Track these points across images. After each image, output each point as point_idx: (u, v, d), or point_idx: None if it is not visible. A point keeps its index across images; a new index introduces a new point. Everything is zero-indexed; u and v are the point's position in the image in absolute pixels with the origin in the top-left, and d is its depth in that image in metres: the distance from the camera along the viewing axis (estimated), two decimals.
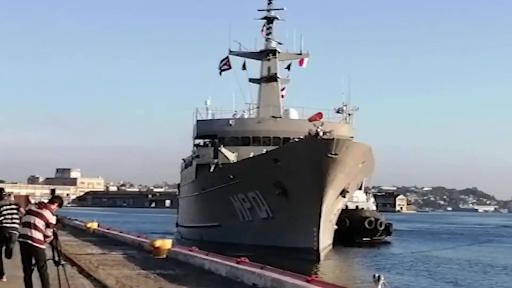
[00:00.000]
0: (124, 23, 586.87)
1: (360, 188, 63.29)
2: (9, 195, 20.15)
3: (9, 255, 17.96)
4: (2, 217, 17.92)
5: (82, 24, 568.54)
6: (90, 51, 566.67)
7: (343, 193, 44.24)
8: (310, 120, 42.57)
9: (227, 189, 48.56)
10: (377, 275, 14.64)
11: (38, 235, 13.21)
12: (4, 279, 17.74)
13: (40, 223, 13.24)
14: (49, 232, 13.32)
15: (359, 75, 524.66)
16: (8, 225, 17.79)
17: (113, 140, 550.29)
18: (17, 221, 17.48)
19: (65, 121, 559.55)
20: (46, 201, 14.20)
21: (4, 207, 18.13)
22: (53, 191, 14.06)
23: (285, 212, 43.06)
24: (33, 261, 13.30)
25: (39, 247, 13.24)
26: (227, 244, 43.80)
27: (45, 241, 13.35)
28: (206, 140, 61.68)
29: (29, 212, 13.60)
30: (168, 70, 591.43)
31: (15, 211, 18.13)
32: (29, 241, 13.21)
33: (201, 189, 55.94)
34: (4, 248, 17.92)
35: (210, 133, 59.28)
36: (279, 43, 64.76)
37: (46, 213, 13.36)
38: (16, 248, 13.76)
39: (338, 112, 58.69)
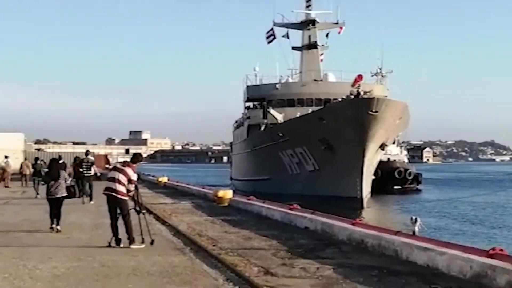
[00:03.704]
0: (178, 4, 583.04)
1: (393, 142, 62.32)
2: (87, 153, 29.05)
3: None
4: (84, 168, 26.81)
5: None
6: (156, 29, 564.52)
7: (382, 146, 43.87)
8: (354, 83, 41.80)
9: (276, 146, 48.40)
10: (414, 217, 14.48)
11: (121, 188, 13.32)
12: (92, 202, 25.24)
13: (123, 178, 13.35)
14: (131, 187, 13.45)
15: (390, 40, 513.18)
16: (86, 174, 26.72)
17: (177, 105, 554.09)
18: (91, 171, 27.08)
19: (136, 90, 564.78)
20: (129, 159, 14.32)
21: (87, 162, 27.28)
22: (127, 150, 14.22)
23: (330, 165, 42.80)
24: (118, 211, 13.45)
25: (122, 199, 13.37)
26: (277, 194, 43.69)
27: (128, 195, 13.50)
28: (255, 103, 61.34)
29: (114, 169, 13.78)
30: (219, 42, 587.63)
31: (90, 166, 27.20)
32: (114, 194, 13.34)
33: (253, 147, 55.91)
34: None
35: (259, 96, 58.95)
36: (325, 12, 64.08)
37: (129, 171, 13.47)
38: (103, 199, 13.93)
39: (374, 75, 57.97)
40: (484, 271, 9.38)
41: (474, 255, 10.02)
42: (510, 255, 10.03)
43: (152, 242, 13.50)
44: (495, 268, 9.21)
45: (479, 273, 9.47)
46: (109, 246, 13.26)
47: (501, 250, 10.14)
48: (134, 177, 13.50)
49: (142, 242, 13.42)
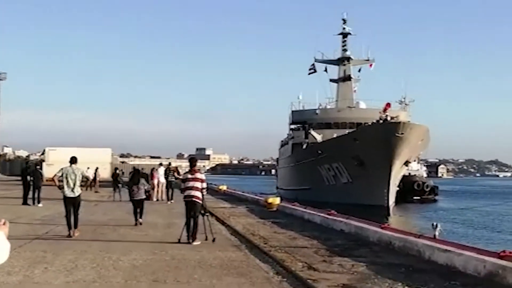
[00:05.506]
0: (244, 45, 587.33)
1: (414, 160, 61.19)
2: (170, 164, 31.25)
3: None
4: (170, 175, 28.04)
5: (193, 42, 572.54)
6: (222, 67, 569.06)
7: (406, 163, 43.65)
8: (384, 109, 41.65)
9: (316, 161, 48.15)
10: (435, 223, 13.99)
11: (197, 194, 13.30)
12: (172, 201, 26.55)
13: (198, 184, 13.29)
14: (204, 184, 13.41)
15: (414, 72, 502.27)
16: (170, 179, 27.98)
17: (235, 126, 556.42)
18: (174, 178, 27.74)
19: (202, 114, 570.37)
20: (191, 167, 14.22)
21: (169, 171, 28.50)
22: (191, 159, 14.18)
23: (362, 178, 42.32)
24: (192, 213, 13.36)
25: (198, 202, 13.34)
26: (316, 202, 43.18)
27: (202, 194, 13.37)
28: (298, 125, 61.18)
29: (188, 180, 13.49)
30: (269, 75, 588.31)
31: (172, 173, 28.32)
32: (192, 199, 13.32)
33: (296, 161, 55.72)
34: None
35: (302, 120, 58.87)
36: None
37: (198, 175, 13.42)
38: (177, 203, 13.98)
39: (399, 103, 57.33)
40: (496, 271, 9.06)
41: (487, 257, 9.68)
42: None
43: (214, 240, 13.41)
44: (505, 268, 8.91)
45: (492, 272, 9.14)
46: (179, 242, 13.19)
47: (510, 252, 9.75)
48: (202, 176, 13.50)
49: (206, 239, 13.37)
